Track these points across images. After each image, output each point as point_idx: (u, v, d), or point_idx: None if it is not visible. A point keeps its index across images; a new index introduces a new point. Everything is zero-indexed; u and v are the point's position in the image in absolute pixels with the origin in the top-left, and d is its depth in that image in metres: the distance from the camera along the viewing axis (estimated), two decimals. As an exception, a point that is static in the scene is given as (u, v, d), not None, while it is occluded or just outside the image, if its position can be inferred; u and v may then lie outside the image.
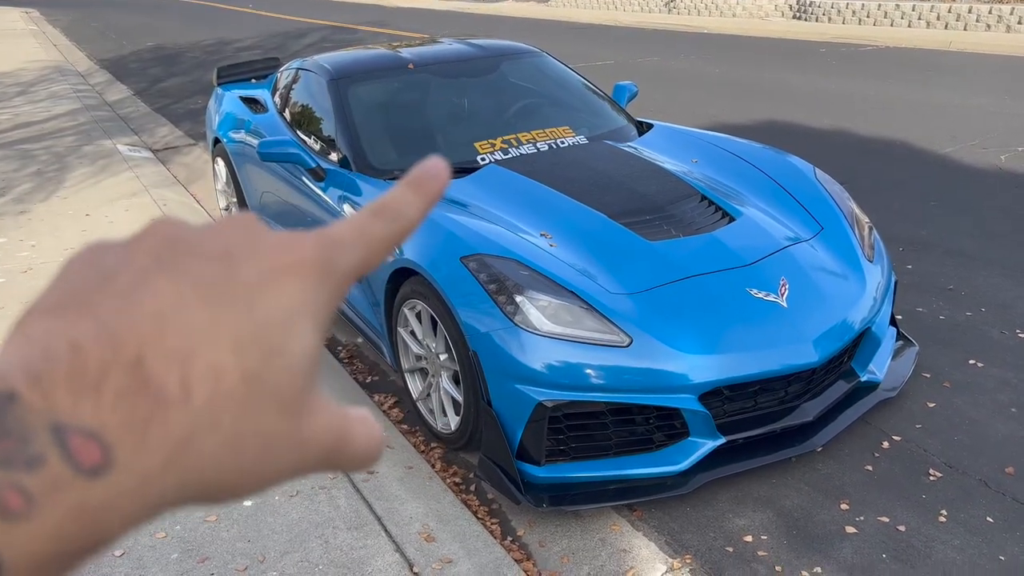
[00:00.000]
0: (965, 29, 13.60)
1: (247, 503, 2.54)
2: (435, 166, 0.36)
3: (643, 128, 4.03)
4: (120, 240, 0.30)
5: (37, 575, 0.25)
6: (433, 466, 2.83)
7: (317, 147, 3.84)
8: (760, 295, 2.69)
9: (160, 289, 0.28)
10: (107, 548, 0.27)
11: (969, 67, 10.29)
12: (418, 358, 3.04)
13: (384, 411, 3.18)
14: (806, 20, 15.80)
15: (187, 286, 0.28)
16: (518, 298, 2.53)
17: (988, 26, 13.37)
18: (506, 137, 3.64)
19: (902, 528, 2.48)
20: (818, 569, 2.34)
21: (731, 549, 2.43)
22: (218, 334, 0.28)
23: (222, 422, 0.27)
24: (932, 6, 14.01)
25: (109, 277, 0.28)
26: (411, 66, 4.01)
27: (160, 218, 0.31)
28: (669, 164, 3.48)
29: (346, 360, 3.66)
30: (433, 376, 2.95)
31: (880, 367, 3.00)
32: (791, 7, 16.40)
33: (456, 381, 2.81)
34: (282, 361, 0.29)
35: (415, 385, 3.10)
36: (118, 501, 0.25)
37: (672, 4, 18.34)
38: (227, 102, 5.00)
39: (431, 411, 3.01)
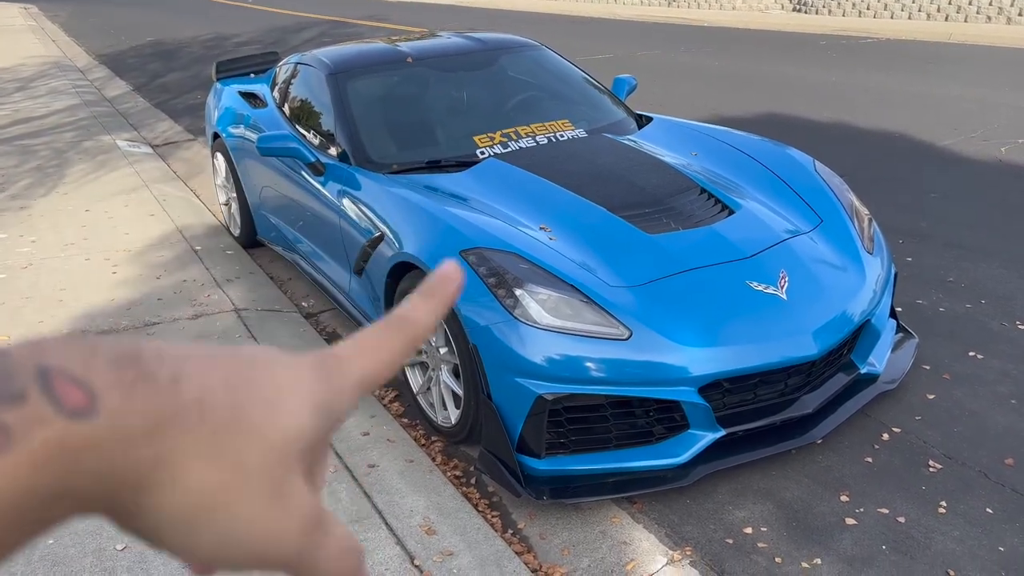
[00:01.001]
0: (966, 21, 13.57)
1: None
2: (450, 272, 0.38)
3: (642, 121, 4.03)
4: None
5: (13, 514, 0.25)
6: (434, 459, 2.83)
7: (316, 141, 3.84)
8: (760, 288, 2.69)
9: (185, 350, 0.31)
10: (78, 509, 0.27)
11: (970, 59, 10.27)
12: (418, 352, 3.04)
13: (384, 405, 3.19)
14: (806, 13, 15.77)
15: (205, 352, 0.31)
16: (518, 291, 2.53)
17: (989, 18, 13.34)
18: (505, 130, 3.63)
19: (902, 519, 2.49)
20: (818, 560, 2.35)
21: (731, 541, 2.44)
22: (214, 369, 0.30)
23: (202, 428, 0.28)
24: (932, -2, 13.97)
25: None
26: (410, 60, 4.01)
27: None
28: (668, 157, 3.48)
29: (346, 354, 3.66)
30: (433, 370, 2.95)
31: (880, 359, 3.00)
32: (791, 0, 16.36)
33: (456, 374, 2.82)
34: (268, 417, 0.30)
35: (415, 379, 3.11)
36: (96, 451, 0.26)
37: (672, -3, 18.27)
38: (226, 97, 5.00)
39: (431, 404, 3.01)
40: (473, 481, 2.77)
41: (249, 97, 4.79)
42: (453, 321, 2.66)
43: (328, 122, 3.79)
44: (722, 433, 2.59)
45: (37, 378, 0.26)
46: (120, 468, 0.27)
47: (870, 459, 2.76)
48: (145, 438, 0.27)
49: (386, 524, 2.44)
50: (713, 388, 2.55)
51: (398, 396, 3.28)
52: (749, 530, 2.47)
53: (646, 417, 2.57)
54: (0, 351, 0.27)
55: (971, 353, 3.36)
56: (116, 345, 0.28)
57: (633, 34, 14.11)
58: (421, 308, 0.37)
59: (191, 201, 5.69)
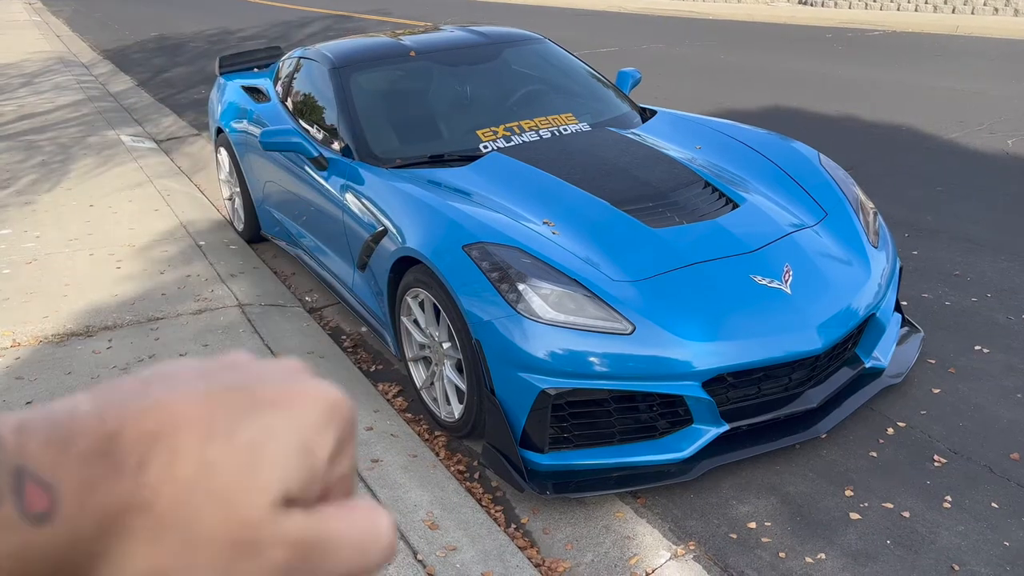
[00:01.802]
0: (972, 13, 13.48)
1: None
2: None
3: (646, 115, 4.01)
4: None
5: None
6: (437, 454, 2.83)
7: (319, 136, 3.83)
8: (764, 282, 2.68)
9: (179, 388, 0.31)
10: None
11: (976, 52, 10.20)
12: (421, 347, 3.04)
13: (388, 400, 3.19)
14: (812, 6, 15.68)
15: (201, 389, 0.31)
16: (520, 286, 2.52)
17: (995, 9, 13.26)
18: (508, 124, 3.62)
19: (906, 514, 2.48)
20: (822, 555, 2.34)
21: (735, 536, 2.43)
22: (199, 425, 0.30)
23: (151, 514, 0.29)
24: (939, -10, 13.88)
25: (160, 375, 0.32)
26: (413, 54, 3.99)
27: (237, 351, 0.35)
28: (673, 151, 3.46)
29: (350, 349, 3.67)
30: (436, 365, 2.95)
31: (885, 353, 2.99)
32: (797, -8, 16.26)
33: (459, 369, 2.81)
34: (236, 487, 0.30)
35: (419, 374, 3.10)
36: (45, 552, 0.27)
37: (677, -10, 18.17)
38: (230, 92, 4.99)
39: (435, 399, 3.01)
40: (477, 476, 2.76)
41: (252, 92, 4.78)
42: (456, 316, 2.66)
43: (331, 116, 3.78)
44: (726, 428, 2.58)
45: (12, 481, 0.27)
46: (65, 563, 0.28)
47: (875, 454, 2.75)
48: (93, 539, 0.28)
49: (389, 519, 2.43)
50: (717, 383, 2.54)
51: (402, 391, 3.28)
52: (753, 525, 2.47)
53: (649, 412, 2.56)
54: None
55: (977, 347, 3.35)
56: (100, 428, 0.29)
57: (637, 27, 14.06)
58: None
59: (195, 196, 5.69)
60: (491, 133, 3.56)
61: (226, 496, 0.29)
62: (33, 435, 0.28)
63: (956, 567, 2.28)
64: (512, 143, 3.50)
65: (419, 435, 2.94)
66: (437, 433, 2.99)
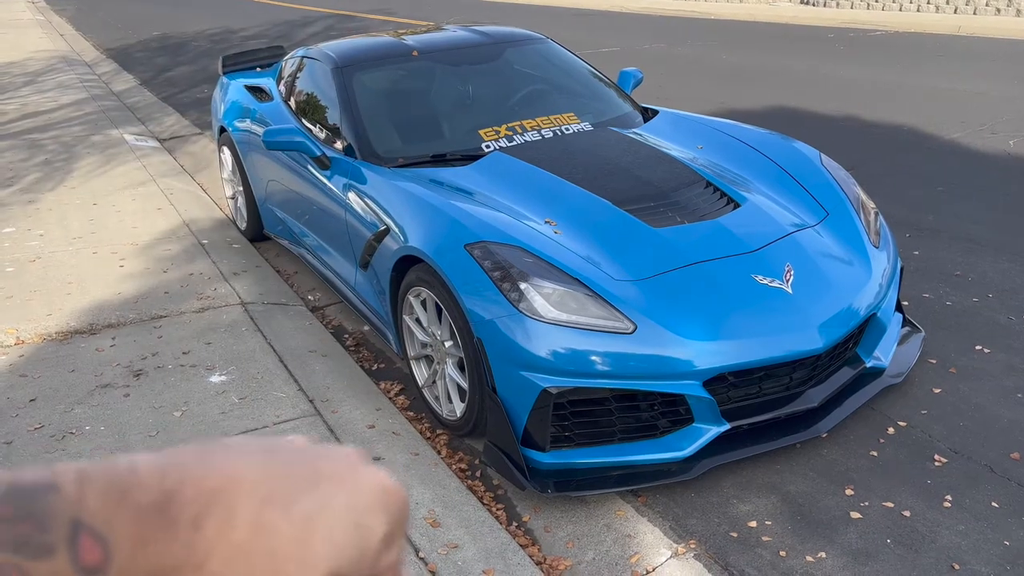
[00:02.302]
0: (975, 13, 13.47)
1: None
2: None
3: (648, 114, 4.02)
4: None
5: None
6: (439, 452, 2.84)
7: (322, 135, 3.84)
8: (765, 281, 2.69)
9: (241, 456, 0.32)
10: None
11: (978, 52, 10.20)
12: (423, 345, 3.05)
13: (390, 398, 3.20)
14: (814, 5, 15.67)
15: (263, 458, 0.32)
16: (522, 285, 2.53)
17: (998, 10, 13.25)
18: (511, 124, 3.63)
19: (907, 513, 2.48)
20: (822, 554, 2.35)
21: (735, 534, 2.44)
22: (258, 489, 0.31)
23: (209, 563, 0.29)
24: (942, -10, 13.87)
25: (223, 445, 0.33)
26: (415, 53, 4.00)
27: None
28: (674, 151, 3.47)
29: (352, 348, 3.68)
30: (438, 363, 2.96)
31: (886, 353, 3.00)
32: (799, -8, 16.25)
33: (461, 368, 2.82)
34: (291, 553, 0.30)
35: (420, 372, 3.11)
36: None
37: (679, -10, 18.16)
38: (232, 91, 5.01)
39: (436, 398, 3.02)
40: (478, 474, 2.77)
41: (255, 91, 4.79)
42: (458, 315, 2.67)
43: (334, 116, 3.79)
44: (727, 427, 2.59)
45: (68, 532, 0.28)
46: None
47: (875, 453, 2.75)
48: None
49: (391, 516, 2.44)
50: (718, 382, 2.55)
51: (403, 390, 3.29)
52: (754, 524, 2.47)
53: (651, 411, 2.57)
54: (52, 485, 0.28)
55: (978, 347, 3.35)
56: (159, 485, 0.29)
57: (639, 27, 14.06)
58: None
59: (198, 195, 5.70)
60: (493, 133, 3.57)
61: (277, 564, 0.30)
62: (92, 486, 0.28)
63: (956, 566, 2.28)
64: (514, 143, 3.51)
65: (421, 433, 2.95)
66: (439, 431, 3.00)
